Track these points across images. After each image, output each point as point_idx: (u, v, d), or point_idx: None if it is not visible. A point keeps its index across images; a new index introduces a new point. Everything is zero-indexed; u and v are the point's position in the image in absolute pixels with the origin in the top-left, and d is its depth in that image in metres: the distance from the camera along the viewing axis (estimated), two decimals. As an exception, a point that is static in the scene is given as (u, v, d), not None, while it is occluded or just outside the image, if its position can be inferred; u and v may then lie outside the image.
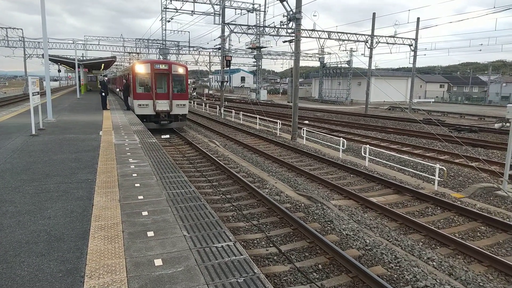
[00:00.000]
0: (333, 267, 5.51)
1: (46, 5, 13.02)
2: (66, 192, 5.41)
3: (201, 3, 35.63)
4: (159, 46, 48.27)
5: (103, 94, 18.52)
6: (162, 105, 17.79)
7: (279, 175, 10.74)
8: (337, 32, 36.74)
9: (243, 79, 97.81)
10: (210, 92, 66.89)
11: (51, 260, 3.43)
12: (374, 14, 35.15)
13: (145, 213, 4.71)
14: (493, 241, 6.69)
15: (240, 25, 33.57)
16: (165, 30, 44.76)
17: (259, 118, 21.79)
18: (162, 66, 17.97)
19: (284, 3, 27.88)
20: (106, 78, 20.23)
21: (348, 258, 5.43)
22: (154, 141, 10.06)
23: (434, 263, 5.65)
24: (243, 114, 24.78)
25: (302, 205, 8.15)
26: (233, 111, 27.00)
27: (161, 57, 47.14)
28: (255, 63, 57.62)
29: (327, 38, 36.89)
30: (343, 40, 38.00)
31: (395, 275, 5.31)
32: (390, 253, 5.90)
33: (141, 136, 10.82)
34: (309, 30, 35.05)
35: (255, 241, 6.35)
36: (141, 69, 17.75)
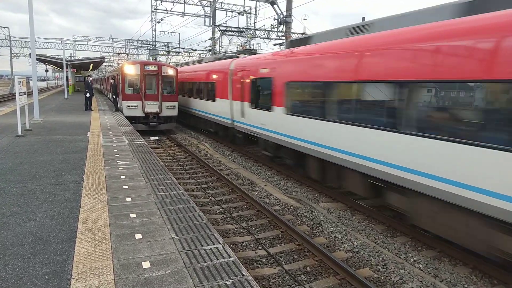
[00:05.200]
0: (321, 270, 5.55)
1: (33, 4, 12.85)
2: (53, 193, 5.34)
3: (192, 4, 35.59)
4: (148, 47, 47.98)
5: (88, 94, 18.30)
6: (152, 107, 17.68)
7: (268, 177, 10.77)
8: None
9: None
10: None
11: (37, 262, 3.39)
12: (363, 18, 35.57)
13: (133, 215, 4.68)
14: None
15: (231, 27, 33.60)
16: (155, 31, 44.56)
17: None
18: (152, 67, 17.87)
19: (275, 6, 28.08)
20: (91, 79, 19.86)
21: (336, 261, 5.47)
22: (143, 142, 10.00)
23: (420, 265, 5.74)
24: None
25: (291, 207, 8.19)
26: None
27: (150, 58, 46.88)
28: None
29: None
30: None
31: (382, 277, 5.37)
32: (377, 256, 5.97)
33: (129, 137, 10.74)
34: (299, 33, 35.29)
35: (244, 244, 6.35)
36: (130, 70, 17.62)
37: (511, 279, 5.22)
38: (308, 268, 5.57)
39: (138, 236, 4.08)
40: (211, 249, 3.84)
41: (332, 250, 6.20)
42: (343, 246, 6.35)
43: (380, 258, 5.89)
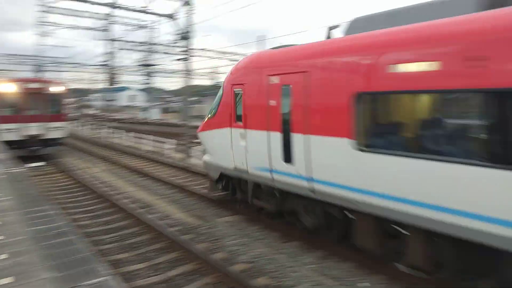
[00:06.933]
0: (223, 285, 5.60)
1: None
2: None
3: (86, 17, 33.13)
4: (35, 63, 43.11)
5: None
6: (34, 129, 15.83)
7: (170, 196, 10.52)
8: (229, 53, 38.34)
9: (132, 97, 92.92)
10: (93, 112, 59.90)
11: None
12: (260, 36, 37.59)
13: (3, 256, 4.15)
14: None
15: (130, 42, 32.28)
16: (42, 45, 40.23)
17: (151, 139, 21.05)
18: (34, 85, 16.12)
19: (176, 21, 27.81)
20: None
21: (233, 275, 5.58)
22: (22, 170, 8.92)
23: (312, 266, 6.19)
24: (133, 136, 23.55)
25: (192, 226, 8.11)
26: (125, 132, 25.53)
27: (37, 74, 42.15)
28: (146, 81, 55.70)
29: (219, 58, 38.29)
30: (235, 60, 39.69)
31: (279, 283, 5.65)
32: (274, 262, 6.29)
33: (6, 165, 9.48)
34: (200, 49, 35.68)
35: (140, 271, 6.05)
36: (7, 89, 15.61)
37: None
38: (210, 287, 5.58)
39: (8, 280, 3.62)
40: (94, 283, 3.59)
41: (232, 263, 6.30)
42: (242, 258, 6.51)
43: (277, 264, 6.20)
